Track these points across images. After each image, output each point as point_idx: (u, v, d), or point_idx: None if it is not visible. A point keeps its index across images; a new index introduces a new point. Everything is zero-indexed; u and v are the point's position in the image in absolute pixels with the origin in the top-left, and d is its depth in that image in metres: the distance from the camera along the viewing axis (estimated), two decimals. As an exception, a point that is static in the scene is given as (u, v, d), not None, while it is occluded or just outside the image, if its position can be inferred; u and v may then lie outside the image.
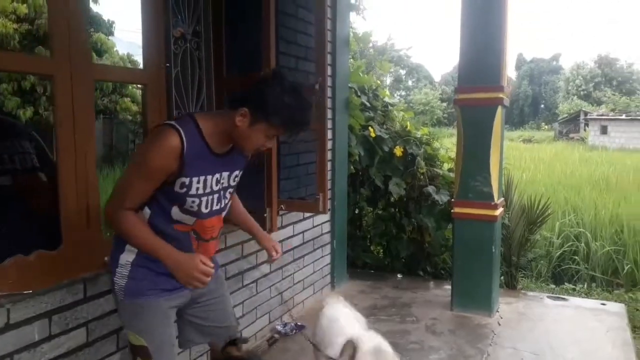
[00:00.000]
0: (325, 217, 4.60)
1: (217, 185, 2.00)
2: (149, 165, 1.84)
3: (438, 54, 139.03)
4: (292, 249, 4.11)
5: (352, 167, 5.30)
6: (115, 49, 12.34)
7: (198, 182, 1.92)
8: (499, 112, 4.00)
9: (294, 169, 4.04)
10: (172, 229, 1.97)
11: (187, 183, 1.89)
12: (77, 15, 2.32)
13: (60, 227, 2.33)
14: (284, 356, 3.53)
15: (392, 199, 5.67)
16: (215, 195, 2.01)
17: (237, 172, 2.11)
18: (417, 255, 5.65)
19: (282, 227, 3.92)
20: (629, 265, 6.04)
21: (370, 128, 5.24)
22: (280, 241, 3.93)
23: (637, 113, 31.65)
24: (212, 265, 1.97)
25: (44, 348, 2.19)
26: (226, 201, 2.10)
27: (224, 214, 2.13)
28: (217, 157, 1.96)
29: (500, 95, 3.96)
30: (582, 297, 5.19)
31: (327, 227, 4.65)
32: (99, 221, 2.48)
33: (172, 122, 1.88)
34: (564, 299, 4.76)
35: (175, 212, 1.94)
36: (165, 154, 1.82)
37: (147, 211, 1.93)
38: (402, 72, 63.65)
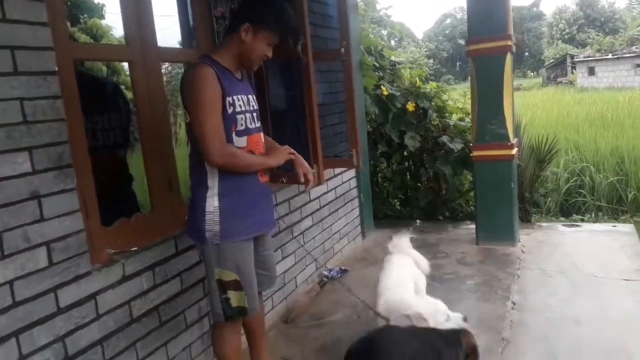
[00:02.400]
0: (352, 173, 4.94)
1: (248, 105, 2.37)
2: (207, 96, 2.17)
3: (417, 11, 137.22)
4: (328, 203, 4.47)
5: (368, 125, 5.62)
6: (111, 33, 12.41)
7: (238, 99, 2.29)
8: (509, 59, 4.31)
9: (322, 130, 4.34)
10: None
11: (232, 102, 2.25)
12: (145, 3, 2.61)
13: (150, 194, 2.67)
14: (334, 295, 3.92)
15: (406, 152, 6.01)
16: (252, 114, 2.38)
17: (254, 97, 2.45)
18: (435, 202, 6.02)
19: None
20: (632, 193, 6.45)
21: (382, 87, 5.54)
22: (319, 196, 4.28)
23: (623, 51, 31.84)
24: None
25: (152, 296, 2.55)
26: (259, 124, 2.46)
27: (262, 134, 2.49)
28: (239, 81, 2.36)
29: (509, 42, 4.27)
30: (593, 223, 5.59)
31: (354, 183, 5.00)
32: (179, 186, 2.82)
33: (197, 62, 2.25)
34: (577, 225, 5.18)
35: (235, 139, 2.29)
36: (210, 79, 2.16)
37: None
38: (384, 32, 63.23)
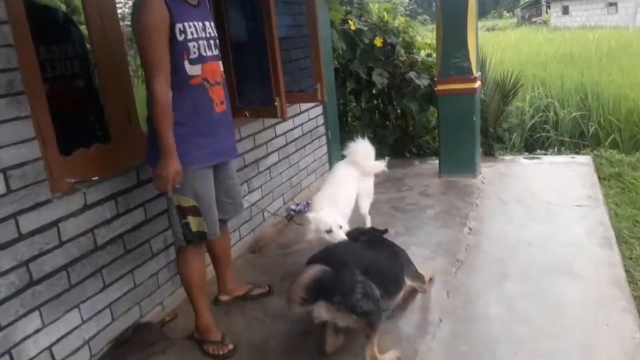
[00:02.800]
0: (319, 110, 4.96)
1: (204, 31, 2.32)
2: (151, 22, 2.14)
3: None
4: (295, 140, 4.51)
5: (335, 62, 5.59)
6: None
7: (190, 26, 2.24)
8: (472, -7, 4.31)
9: (286, 65, 4.32)
10: (191, 86, 2.30)
11: (182, 28, 2.22)
12: None
13: (109, 126, 2.67)
14: (301, 227, 4.02)
15: (374, 90, 6.03)
16: (207, 42, 2.34)
17: (211, 23, 2.42)
18: (402, 139, 6.11)
19: (284, 120, 4.28)
20: (593, 127, 6.63)
21: (349, 21, 5.47)
22: (285, 132, 4.32)
23: (597, -10, 31.65)
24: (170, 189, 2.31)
25: (115, 224, 2.61)
26: (216, 51, 2.42)
27: (219, 62, 2.46)
28: (193, 7, 2.30)
29: (472, -22, 4.25)
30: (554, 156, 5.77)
31: (321, 120, 5.03)
32: (137, 118, 2.82)
33: None
34: (538, 158, 5.35)
35: (188, 67, 2.27)
36: (155, 5, 2.12)
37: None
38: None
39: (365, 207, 3.58)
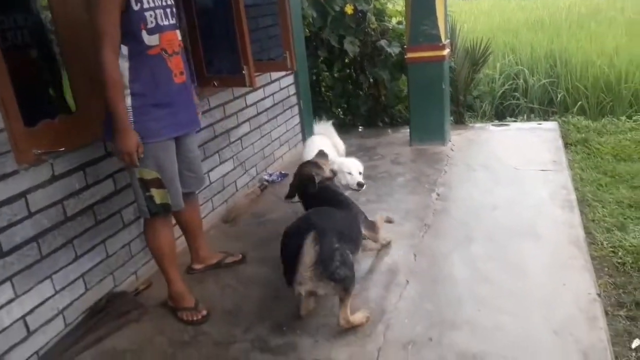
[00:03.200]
0: (290, 79, 4.95)
1: (160, 0, 2.28)
2: None
3: None
4: (266, 110, 4.51)
5: (306, 30, 5.55)
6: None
7: None
8: (440, -42, 4.31)
9: (254, 33, 4.29)
10: (148, 56, 2.26)
11: None
12: None
13: (73, 96, 2.64)
14: (274, 197, 4.08)
15: (347, 59, 6.02)
16: (164, 10, 2.29)
17: None
18: (375, 109, 6.16)
19: (254, 89, 4.28)
20: (561, 94, 6.75)
21: (319, -11, 5.42)
22: (255, 102, 4.31)
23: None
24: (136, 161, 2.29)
25: (85, 195, 2.61)
26: (174, 20, 2.37)
27: (177, 31, 2.41)
28: None
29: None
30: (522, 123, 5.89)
31: (292, 89, 5.02)
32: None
33: None
34: (506, 125, 5.46)
35: (145, 36, 2.23)
36: None
37: (124, 49, 2.20)
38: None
39: None
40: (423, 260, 2.95)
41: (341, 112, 6.72)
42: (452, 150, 4.73)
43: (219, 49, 3.55)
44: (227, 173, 3.89)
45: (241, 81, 3.39)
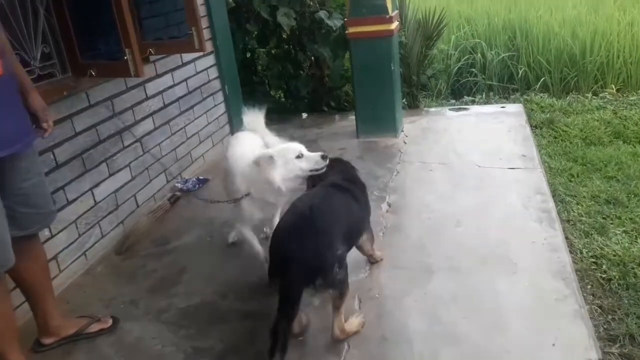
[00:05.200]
0: (210, 60, 4.09)
1: None
2: None
3: None
4: (177, 100, 3.65)
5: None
6: None
7: None
8: None
9: (158, 3, 3.40)
10: None
11: None
12: None
13: None
14: (187, 212, 3.28)
15: (283, 34, 5.19)
16: None
17: None
18: (318, 92, 5.38)
19: (158, 75, 3.41)
20: (522, 69, 6.14)
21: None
22: (161, 92, 3.45)
23: None
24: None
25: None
26: None
27: None
28: None
29: None
30: (482, 105, 5.24)
31: (214, 72, 4.16)
32: None
33: None
34: (465, 109, 4.77)
35: None
36: None
37: None
38: None
39: None
40: (369, 307, 2.23)
41: (282, 96, 5.91)
42: (405, 142, 4.01)
43: (96, 27, 2.66)
44: (122, 186, 3.05)
45: (124, 69, 2.53)
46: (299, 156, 2.23)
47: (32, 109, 1.88)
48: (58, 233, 2.58)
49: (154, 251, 2.87)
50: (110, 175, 2.95)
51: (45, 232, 2.50)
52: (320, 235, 1.92)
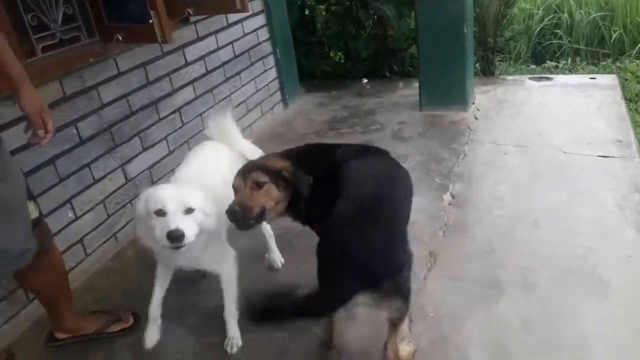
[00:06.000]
0: (260, 20, 3.72)
1: None
2: None
3: None
4: (222, 65, 3.32)
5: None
6: None
7: None
8: None
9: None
10: None
11: None
12: None
13: None
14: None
15: (345, -11, 4.72)
16: None
17: None
18: (380, 54, 4.90)
19: (200, 38, 3.09)
20: (617, 32, 5.36)
21: None
22: (203, 56, 3.13)
23: None
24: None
25: None
26: None
27: None
28: None
29: None
30: (567, 75, 4.60)
31: (264, 34, 3.79)
32: None
33: None
34: (548, 78, 4.15)
35: None
36: None
37: None
38: None
39: None
40: (423, 330, 1.87)
41: (341, 57, 5.46)
42: (476, 118, 3.52)
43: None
44: (158, 161, 2.80)
45: (150, 34, 2.21)
46: (159, 212, 1.60)
47: (25, 110, 1.53)
48: (84, 214, 2.38)
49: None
50: (144, 149, 2.70)
51: (69, 214, 2.30)
52: (392, 225, 1.52)
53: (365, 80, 4.81)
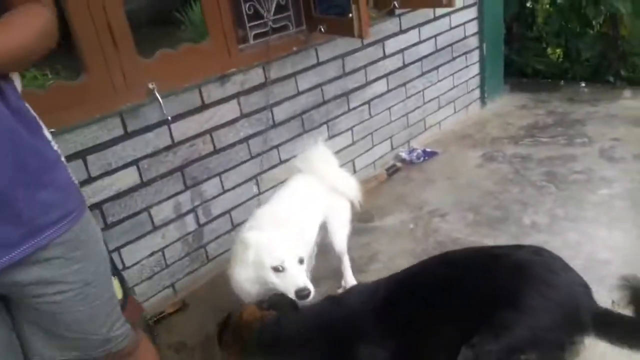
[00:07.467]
0: (470, 13, 3.55)
1: None
2: None
3: None
4: (420, 59, 3.26)
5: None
6: None
7: None
8: None
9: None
10: None
11: None
12: None
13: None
14: (404, 187, 2.98)
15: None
16: None
17: None
18: (607, 56, 4.30)
19: (402, 31, 3.07)
20: None
21: None
22: (402, 50, 3.11)
23: None
24: None
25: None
26: None
27: None
28: None
29: None
30: None
31: (472, 28, 3.61)
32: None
33: None
34: None
35: None
36: None
37: None
38: None
39: (340, 241, 2.13)
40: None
41: (560, 56, 4.93)
42: None
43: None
44: (340, 150, 2.89)
45: (348, 28, 2.26)
46: (278, 269, 1.56)
47: None
48: (266, 191, 2.56)
49: (355, 227, 2.66)
50: (330, 138, 2.81)
51: (254, 189, 2.51)
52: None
53: (583, 84, 4.29)
